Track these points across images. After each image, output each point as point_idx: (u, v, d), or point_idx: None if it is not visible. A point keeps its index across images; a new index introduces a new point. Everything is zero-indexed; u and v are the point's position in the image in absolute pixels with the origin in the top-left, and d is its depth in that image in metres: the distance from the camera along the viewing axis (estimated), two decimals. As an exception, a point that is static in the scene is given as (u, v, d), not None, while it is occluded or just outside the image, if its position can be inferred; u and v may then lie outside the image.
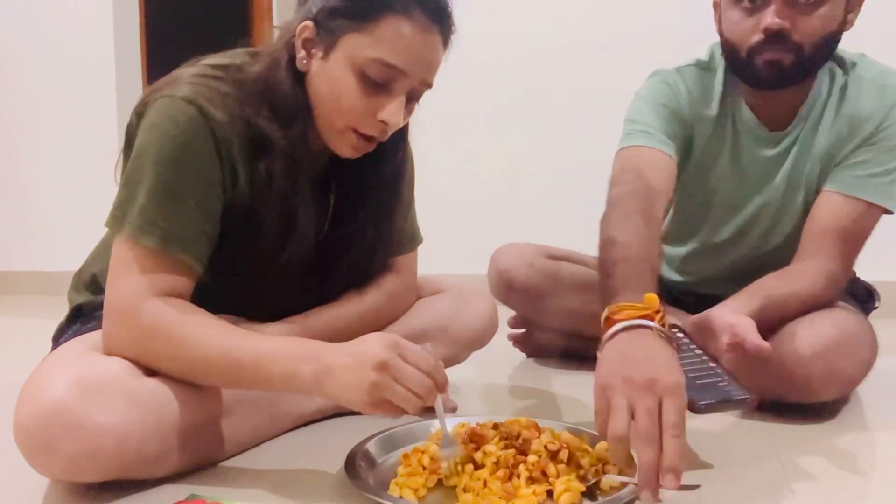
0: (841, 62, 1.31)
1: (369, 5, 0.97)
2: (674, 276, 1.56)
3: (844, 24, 1.25)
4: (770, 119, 1.33)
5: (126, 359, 0.93)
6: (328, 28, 0.99)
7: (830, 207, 1.27)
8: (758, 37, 1.21)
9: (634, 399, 0.79)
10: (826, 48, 1.24)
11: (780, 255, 1.32)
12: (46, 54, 2.74)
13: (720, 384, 0.98)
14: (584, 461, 0.92)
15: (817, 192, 1.31)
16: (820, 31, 1.21)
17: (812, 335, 1.18)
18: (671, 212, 1.49)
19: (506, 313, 1.59)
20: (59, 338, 1.11)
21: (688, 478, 0.99)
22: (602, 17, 2.48)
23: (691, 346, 1.05)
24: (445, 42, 1.02)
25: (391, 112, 0.99)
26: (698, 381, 0.98)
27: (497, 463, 0.92)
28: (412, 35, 0.97)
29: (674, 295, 1.55)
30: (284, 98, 1.01)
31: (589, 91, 2.42)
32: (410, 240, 1.27)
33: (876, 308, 1.45)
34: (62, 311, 1.14)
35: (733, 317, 1.08)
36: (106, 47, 2.72)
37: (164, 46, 2.89)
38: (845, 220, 1.26)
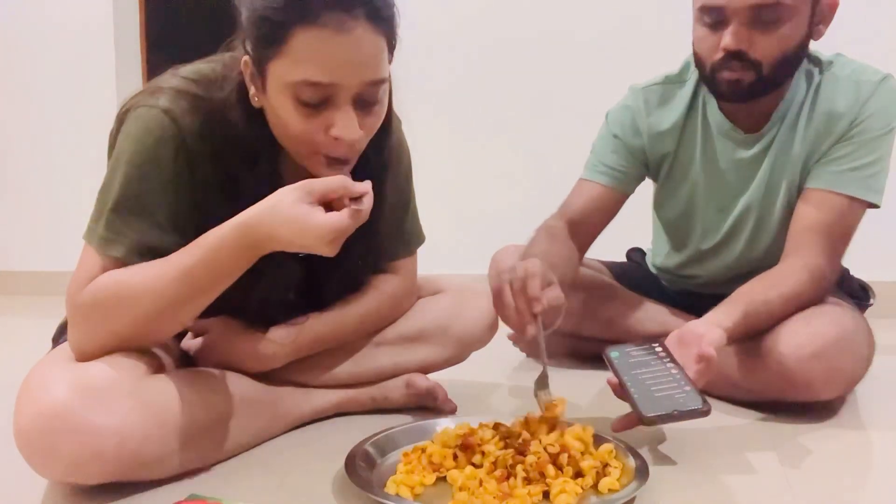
0: (817, 62, 1.32)
1: (273, 27, 0.89)
2: (676, 281, 1.57)
3: (811, 36, 1.26)
4: (745, 122, 1.34)
5: (99, 354, 0.92)
6: (257, 61, 0.93)
7: (813, 204, 1.28)
8: (719, 54, 1.23)
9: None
10: (788, 63, 1.25)
11: (773, 255, 1.32)
12: (46, 54, 2.74)
13: (676, 395, 1.02)
14: (585, 464, 0.92)
15: (799, 191, 1.31)
16: (779, 49, 1.22)
17: (811, 334, 1.18)
18: (663, 223, 1.52)
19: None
20: (59, 338, 1.11)
21: (688, 476, 0.99)
22: (605, 16, 2.47)
23: (664, 359, 1.09)
24: (377, 28, 0.90)
25: (341, 127, 0.92)
26: (656, 393, 1.02)
27: (495, 463, 0.92)
28: (327, 42, 0.88)
29: (674, 299, 1.56)
30: (243, 140, 0.98)
31: (592, 90, 2.42)
32: (411, 241, 1.26)
33: (871, 305, 1.45)
34: (62, 311, 1.13)
35: (703, 328, 1.12)
36: (106, 47, 2.72)
37: (164, 47, 2.89)
38: (828, 216, 1.26)
